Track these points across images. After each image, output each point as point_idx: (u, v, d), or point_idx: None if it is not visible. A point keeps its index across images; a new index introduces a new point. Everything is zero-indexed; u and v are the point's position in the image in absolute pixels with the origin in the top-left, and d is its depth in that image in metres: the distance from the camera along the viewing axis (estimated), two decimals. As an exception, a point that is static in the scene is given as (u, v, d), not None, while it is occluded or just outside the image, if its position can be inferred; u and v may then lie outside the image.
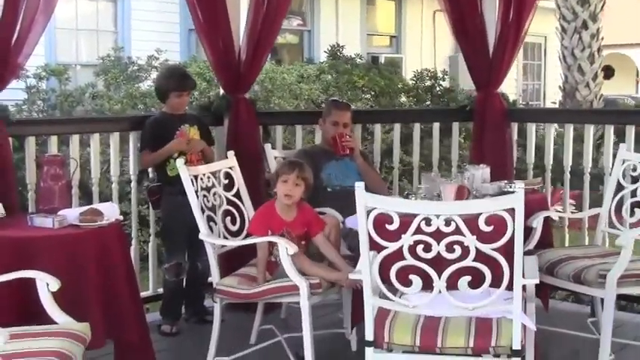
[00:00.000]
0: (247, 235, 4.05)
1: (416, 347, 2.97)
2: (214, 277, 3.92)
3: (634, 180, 4.32)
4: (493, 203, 2.77)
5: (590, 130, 4.92)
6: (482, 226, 2.74)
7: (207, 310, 4.83)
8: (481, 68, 5.17)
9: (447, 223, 2.75)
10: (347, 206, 4.36)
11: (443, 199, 3.76)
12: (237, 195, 4.29)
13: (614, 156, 4.37)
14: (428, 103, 10.29)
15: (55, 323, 3.00)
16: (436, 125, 5.36)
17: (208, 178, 4.13)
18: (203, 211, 3.96)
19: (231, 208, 4.20)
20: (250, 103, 5.09)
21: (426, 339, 2.96)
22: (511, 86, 15.08)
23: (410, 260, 2.84)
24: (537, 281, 2.96)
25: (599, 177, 5.02)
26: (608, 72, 22.26)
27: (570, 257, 4.00)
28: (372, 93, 9.67)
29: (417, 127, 5.34)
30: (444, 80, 10.88)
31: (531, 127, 5.19)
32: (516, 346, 2.91)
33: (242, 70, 4.94)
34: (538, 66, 17.01)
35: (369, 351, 3.00)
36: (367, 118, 5.40)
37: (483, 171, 4.47)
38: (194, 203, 3.93)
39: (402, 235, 2.82)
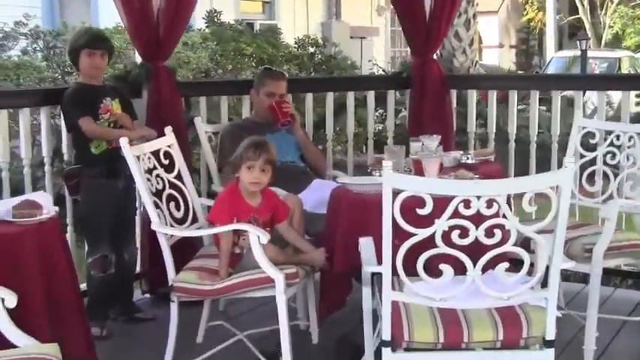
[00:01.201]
0: (210, 224, 3.58)
1: (439, 344, 2.65)
2: (170, 272, 3.42)
3: (592, 148, 4.18)
4: (540, 181, 2.47)
5: (536, 96, 4.74)
6: (526, 207, 2.45)
7: (136, 307, 4.32)
8: (418, 33, 4.88)
9: (489, 204, 2.43)
10: (288, 184, 4.00)
11: (426, 174, 3.44)
12: (179, 177, 3.79)
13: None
14: (311, 71, 9.96)
15: (14, 347, 2.44)
16: (371, 94, 5.03)
17: (149, 158, 3.61)
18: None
19: (174, 192, 3.70)
20: (171, 72, 4.57)
21: (451, 334, 2.65)
22: (380, 54, 15.03)
23: (442, 248, 2.50)
24: (573, 264, 2.69)
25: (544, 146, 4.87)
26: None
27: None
28: (257, 61, 9.20)
29: (350, 96, 4.98)
30: (325, 47, 10.59)
31: (472, 94, 4.96)
32: (550, 336, 2.65)
33: (161, 35, 4.40)
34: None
35: (386, 352, 2.66)
36: (298, 87, 4.97)
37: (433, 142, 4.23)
38: (144, 188, 3.41)
39: (436, 220, 2.47)
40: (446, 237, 2.48)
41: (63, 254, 3.13)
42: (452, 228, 2.47)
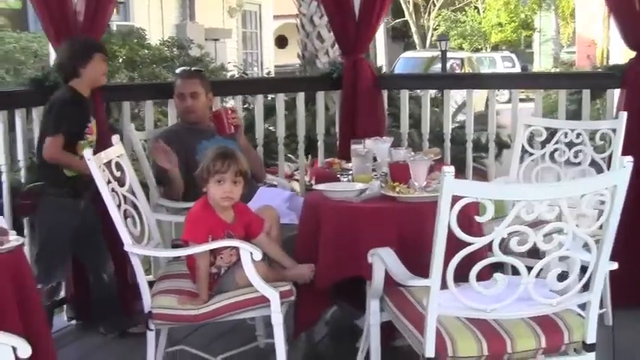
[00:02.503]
0: (176, 244, 3.26)
1: (483, 357, 2.51)
2: (145, 298, 3.06)
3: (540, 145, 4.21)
4: (599, 182, 2.38)
5: (472, 95, 4.72)
6: (585, 209, 2.35)
7: (127, 322, 3.93)
8: (348, 32, 4.71)
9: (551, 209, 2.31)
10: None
11: (413, 180, 3.29)
12: (131, 191, 3.42)
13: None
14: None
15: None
16: (301, 95, 4.81)
17: (103, 171, 3.22)
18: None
19: (129, 207, 3.33)
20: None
21: (494, 346, 2.51)
22: (232, 56, 14.77)
23: (499, 256, 2.36)
24: (616, 265, 2.63)
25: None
26: (282, 42, 22.96)
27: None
28: (128, 63, 8.71)
29: (280, 98, 4.74)
30: (190, 49, 10.24)
31: (405, 94, 4.86)
32: (591, 340, 2.58)
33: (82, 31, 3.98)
34: (255, 34, 16.85)
35: (430, 370, 2.48)
36: (226, 90, 4.67)
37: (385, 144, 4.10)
38: (113, 206, 3.03)
39: (495, 227, 2.32)
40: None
41: (33, 284, 2.70)
42: (510, 235, 2.33)
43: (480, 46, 32.39)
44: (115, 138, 3.46)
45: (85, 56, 3.71)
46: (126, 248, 3.04)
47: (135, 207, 3.37)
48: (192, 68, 4.53)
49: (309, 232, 3.37)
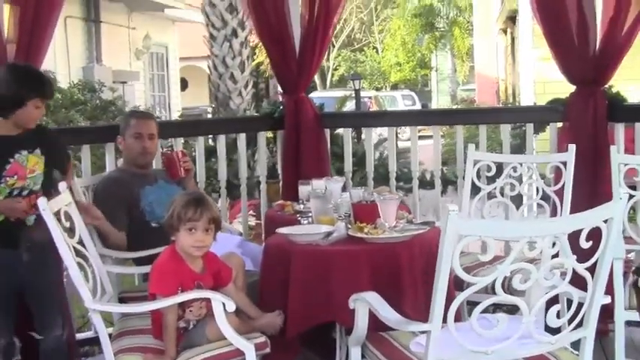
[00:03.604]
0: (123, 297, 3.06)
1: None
2: (109, 358, 2.82)
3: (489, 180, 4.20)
4: (596, 215, 2.33)
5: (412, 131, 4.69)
6: (583, 243, 2.30)
7: None
8: (289, 71, 4.63)
9: (553, 244, 2.25)
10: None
11: (382, 219, 3.19)
12: (81, 242, 3.19)
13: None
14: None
15: None
16: (242, 136, 4.68)
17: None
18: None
19: (80, 260, 3.09)
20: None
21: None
22: (140, 99, 14.46)
23: (501, 296, 2.27)
24: (609, 299, 2.58)
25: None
26: (184, 84, 22.76)
27: (477, 264, 3.65)
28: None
29: (221, 139, 4.59)
30: (102, 92, 9.94)
31: (347, 132, 4.79)
32: (588, 377, 2.52)
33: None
34: (162, 76, 16.55)
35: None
36: (168, 132, 4.48)
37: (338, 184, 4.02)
38: (70, 259, 2.80)
39: (497, 265, 2.24)
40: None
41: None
42: (513, 272, 2.26)
43: (380, 85, 32.98)
44: (62, 185, 3.22)
45: (14, 104, 3.21)
46: (87, 305, 2.81)
47: (84, 259, 3.14)
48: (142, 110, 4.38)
49: (273, 278, 3.23)
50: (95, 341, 2.96)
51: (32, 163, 3.26)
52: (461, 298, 2.29)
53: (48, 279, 3.34)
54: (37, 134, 3.35)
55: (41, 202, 2.78)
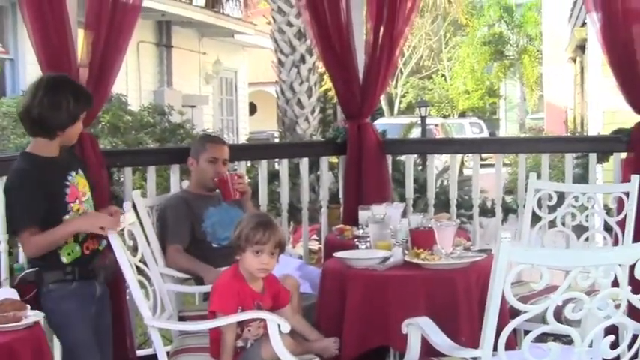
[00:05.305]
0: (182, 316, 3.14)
1: None
2: (167, 374, 2.91)
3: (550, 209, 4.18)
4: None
5: (477, 159, 4.70)
6: (638, 274, 2.28)
7: None
8: (353, 97, 4.69)
9: (606, 274, 2.24)
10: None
11: (440, 246, 3.21)
12: (143, 260, 3.29)
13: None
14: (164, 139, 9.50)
15: None
16: (304, 161, 4.75)
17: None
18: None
19: (142, 278, 3.19)
20: (94, 138, 4.01)
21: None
22: (209, 122, 14.73)
23: (553, 325, 2.27)
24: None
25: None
26: (252, 109, 23.06)
27: (535, 294, 3.62)
28: (111, 129, 8.59)
29: (284, 164, 4.67)
30: (171, 115, 10.16)
31: (410, 159, 4.82)
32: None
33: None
34: (230, 101, 16.88)
35: None
36: (231, 155, 4.58)
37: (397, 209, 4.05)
38: (132, 277, 2.89)
39: (551, 295, 2.24)
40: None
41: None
42: (565, 302, 2.25)
43: (447, 113, 32.84)
44: (127, 205, 3.34)
45: (63, 124, 3.01)
46: (146, 321, 2.90)
47: (146, 277, 3.24)
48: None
49: (331, 301, 3.27)
50: (155, 358, 3.02)
51: (82, 185, 3.14)
52: (512, 325, 2.30)
53: (110, 312, 3.32)
54: (69, 153, 3.22)
55: (111, 232, 2.87)
